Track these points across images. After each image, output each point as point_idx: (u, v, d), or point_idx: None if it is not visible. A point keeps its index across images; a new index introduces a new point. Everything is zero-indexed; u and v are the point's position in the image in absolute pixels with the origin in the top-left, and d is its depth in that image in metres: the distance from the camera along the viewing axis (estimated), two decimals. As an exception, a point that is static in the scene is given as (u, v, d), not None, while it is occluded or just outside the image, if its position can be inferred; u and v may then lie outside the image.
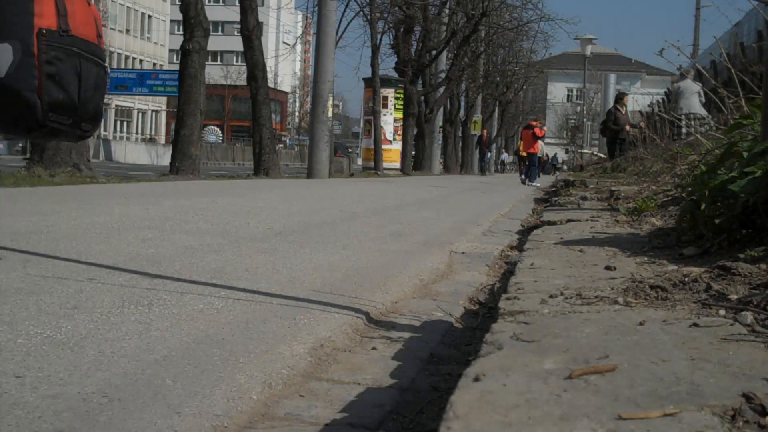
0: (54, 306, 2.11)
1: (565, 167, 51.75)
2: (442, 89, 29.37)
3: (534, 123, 22.72)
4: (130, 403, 1.40)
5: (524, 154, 22.97)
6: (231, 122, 69.65)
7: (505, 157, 56.19)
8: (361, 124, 31.39)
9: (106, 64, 2.66)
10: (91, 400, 1.40)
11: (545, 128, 22.74)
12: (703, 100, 11.48)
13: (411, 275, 3.08)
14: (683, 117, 10.96)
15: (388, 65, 30.02)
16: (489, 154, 37.96)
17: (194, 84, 13.95)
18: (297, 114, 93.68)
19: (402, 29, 27.99)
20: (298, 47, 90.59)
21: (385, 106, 26.70)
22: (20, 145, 44.57)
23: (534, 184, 19.43)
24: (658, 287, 2.03)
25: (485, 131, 35.63)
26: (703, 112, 11.37)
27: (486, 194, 11.29)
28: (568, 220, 4.87)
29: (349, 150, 36.98)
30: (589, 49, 33.86)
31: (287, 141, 79.37)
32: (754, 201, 2.59)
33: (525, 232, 5.20)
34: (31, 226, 3.79)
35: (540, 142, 21.65)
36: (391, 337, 2.12)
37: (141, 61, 65.40)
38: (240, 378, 1.60)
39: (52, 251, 3.03)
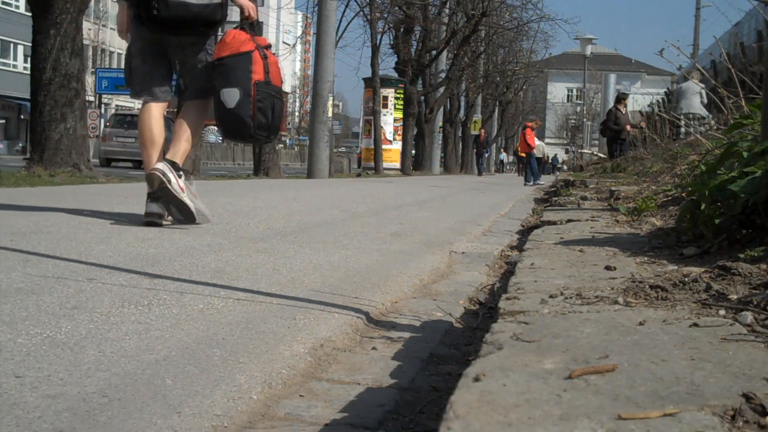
0: (54, 306, 2.11)
1: (565, 167, 51.70)
2: (442, 89, 29.37)
3: (529, 124, 22.81)
4: (130, 403, 1.40)
5: (522, 154, 23.04)
6: (231, 122, 69.53)
7: (504, 156, 55.66)
8: (361, 124, 31.35)
9: (283, 98, 4.33)
10: (91, 400, 1.40)
11: (533, 127, 22.65)
12: (705, 101, 11.46)
13: (411, 275, 3.08)
14: (683, 117, 10.95)
15: (388, 65, 30.04)
16: (487, 154, 36.72)
17: (194, 84, 13.93)
18: (297, 114, 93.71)
19: (402, 29, 28.01)
20: (298, 47, 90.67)
21: (385, 106, 26.69)
22: (20, 145, 44.64)
23: (530, 184, 19.41)
24: (658, 287, 2.03)
25: (483, 130, 34.59)
26: (703, 112, 11.37)
27: (486, 194, 11.30)
28: (568, 220, 4.87)
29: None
30: (589, 49, 33.89)
31: (287, 141, 79.38)
32: (754, 201, 2.59)
33: (525, 232, 5.20)
34: (31, 226, 3.79)
35: (536, 142, 21.60)
36: (391, 337, 2.12)
37: (141, 61, 65.30)
38: (240, 378, 1.60)
39: (52, 251, 3.03)
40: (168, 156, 4.03)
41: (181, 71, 4.24)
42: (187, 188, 4.03)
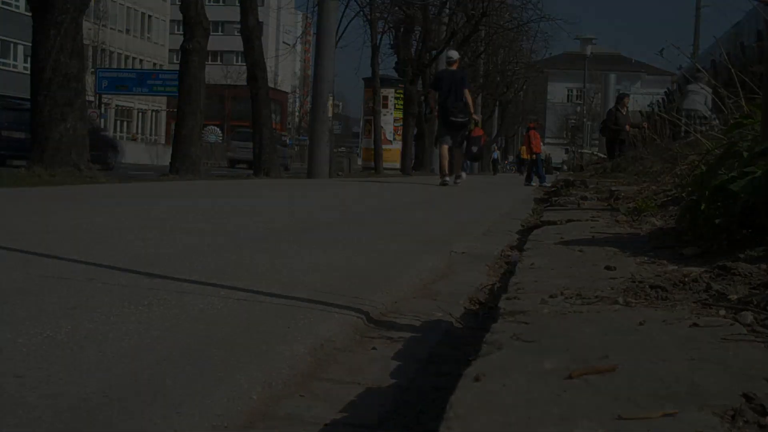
0: (54, 306, 2.11)
1: (565, 167, 51.31)
2: (442, 89, 29.24)
3: (532, 125, 22.71)
4: (130, 403, 1.40)
5: (526, 156, 22.97)
6: (231, 122, 69.66)
7: (497, 155, 53.26)
8: (361, 124, 31.31)
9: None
10: (91, 400, 1.40)
11: (536, 128, 22.32)
12: (710, 105, 11.39)
13: (411, 275, 3.08)
14: (684, 115, 10.92)
15: (388, 65, 29.96)
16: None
17: (194, 84, 13.96)
18: (297, 114, 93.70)
19: (402, 29, 28.00)
20: (298, 47, 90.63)
21: (385, 106, 26.66)
22: (20, 145, 44.57)
23: (534, 185, 19.44)
24: (658, 287, 2.03)
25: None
26: (706, 111, 11.31)
27: (486, 194, 11.30)
28: (568, 220, 4.87)
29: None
30: (589, 49, 33.95)
31: (287, 141, 79.26)
32: (754, 201, 2.59)
33: (525, 232, 5.19)
34: (31, 226, 3.79)
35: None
36: (391, 337, 2.12)
37: (141, 61, 65.39)
38: (240, 378, 1.60)
39: (52, 251, 3.03)
40: (455, 169, 12.75)
41: (453, 137, 12.32)
42: (456, 176, 12.78)
